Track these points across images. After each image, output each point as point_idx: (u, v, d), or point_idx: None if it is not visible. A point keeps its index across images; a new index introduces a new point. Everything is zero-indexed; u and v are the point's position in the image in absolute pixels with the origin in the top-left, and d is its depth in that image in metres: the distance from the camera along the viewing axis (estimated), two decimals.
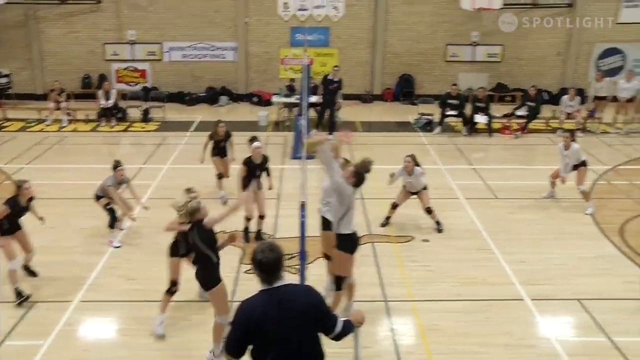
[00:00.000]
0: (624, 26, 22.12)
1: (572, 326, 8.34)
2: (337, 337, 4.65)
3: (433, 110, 19.01)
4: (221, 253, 7.06)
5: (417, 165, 10.96)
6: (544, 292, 8.98)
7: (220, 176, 12.56)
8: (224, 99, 22.28)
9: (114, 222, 10.53)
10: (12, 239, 8.69)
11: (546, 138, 17.66)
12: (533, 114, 18.06)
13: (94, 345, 7.71)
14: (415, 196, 11.19)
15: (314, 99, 18.08)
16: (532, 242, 10.72)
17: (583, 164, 12.13)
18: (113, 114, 18.97)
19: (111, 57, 22.50)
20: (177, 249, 7.82)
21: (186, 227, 7.05)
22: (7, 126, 18.95)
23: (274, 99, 19.68)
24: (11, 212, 8.55)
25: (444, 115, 18.14)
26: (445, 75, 22.48)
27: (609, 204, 12.64)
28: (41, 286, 8.94)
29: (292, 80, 20.15)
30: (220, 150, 12.55)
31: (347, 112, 20.28)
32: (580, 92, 19.24)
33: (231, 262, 9.31)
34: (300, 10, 22.15)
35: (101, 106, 18.83)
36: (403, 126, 19.22)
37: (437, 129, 18.21)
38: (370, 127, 19.09)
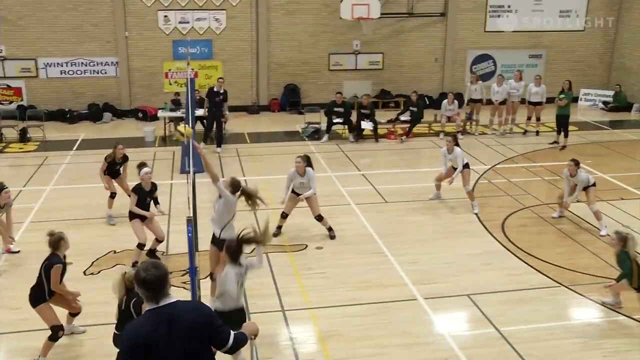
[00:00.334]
0: (491, 34, 23.51)
1: (463, 321, 8.74)
2: (231, 350, 4.62)
3: (320, 119, 19.29)
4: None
5: (310, 166, 11.06)
6: (436, 290, 9.34)
7: (113, 195, 12.10)
8: (107, 115, 21.55)
9: None
10: None
11: (429, 141, 18.36)
12: (416, 119, 18.72)
13: None
14: (305, 204, 11.24)
15: (200, 112, 17.87)
16: (422, 243, 11.12)
17: (466, 166, 12.72)
18: None
19: None
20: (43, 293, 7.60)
21: None
22: None
23: (160, 113, 19.27)
24: None
25: (330, 123, 18.43)
26: (330, 83, 22.85)
27: (490, 201, 13.31)
28: None
29: (177, 94, 19.82)
30: (113, 172, 12.12)
31: (235, 123, 20.21)
32: (459, 97, 20.16)
33: None
34: (181, 22, 21.85)
35: None
36: (291, 135, 19.38)
37: (325, 137, 18.48)
38: (258, 137, 19.10)
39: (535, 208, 12.82)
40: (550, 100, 18.75)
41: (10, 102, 21.46)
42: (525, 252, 10.70)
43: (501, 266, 10.22)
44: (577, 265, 10.18)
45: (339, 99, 18.56)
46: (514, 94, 18.99)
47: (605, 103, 23.42)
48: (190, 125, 13.14)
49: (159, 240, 10.25)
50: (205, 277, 9.27)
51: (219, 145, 17.32)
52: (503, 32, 23.36)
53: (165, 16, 21.67)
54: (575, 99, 21.29)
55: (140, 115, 21.60)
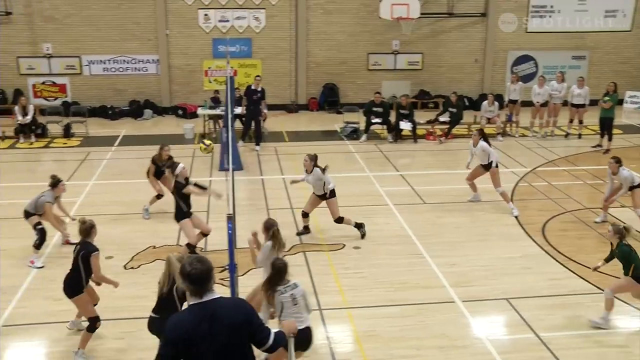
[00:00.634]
0: (533, 35, 23.15)
1: (501, 325, 8.61)
2: (270, 349, 4.64)
3: (358, 119, 19.24)
4: None
5: (317, 166, 10.92)
6: (474, 293, 9.23)
7: (159, 197, 12.23)
8: (148, 112, 21.86)
9: (41, 243, 10.20)
10: None
11: (469, 143, 18.10)
12: (455, 120, 18.55)
13: None
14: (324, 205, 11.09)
15: (239, 110, 17.99)
16: (460, 245, 11.00)
17: (491, 165, 12.53)
18: (32, 130, 18.28)
19: (27, 72, 21.71)
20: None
21: None
22: None
23: (199, 111, 19.47)
24: None
25: (369, 123, 18.39)
26: (369, 83, 22.77)
27: (531, 204, 13.12)
28: None
29: (217, 92, 19.99)
30: (158, 173, 12.21)
31: (274, 122, 20.31)
32: (499, 98, 19.91)
33: None
34: (221, 21, 22.03)
35: (18, 122, 18.11)
36: (330, 135, 19.38)
37: (363, 137, 18.45)
38: (297, 136, 19.15)
39: (576, 212, 12.59)
40: (593, 103, 18.39)
41: (55, 99, 21.92)
42: (566, 256, 10.51)
43: (541, 270, 10.05)
44: (620, 272, 9.92)
45: (377, 99, 18.50)
46: (556, 96, 18.66)
47: None
48: (230, 124, 13.29)
49: (204, 234, 10.36)
50: (244, 274, 9.34)
51: (257, 144, 17.42)
52: (545, 32, 23.00)
53: (206, 15, 21.87)
54: (620, 102, 20.87)
55: (179, 112, 21.85)
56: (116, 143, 18.15)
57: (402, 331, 8.20)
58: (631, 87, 23.47)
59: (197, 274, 4.26)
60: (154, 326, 6.77)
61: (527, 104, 19.19)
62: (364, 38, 22.66)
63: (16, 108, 18.30)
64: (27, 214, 10.29)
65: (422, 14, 21.00)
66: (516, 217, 12.25)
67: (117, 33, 21.61)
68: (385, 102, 19.05)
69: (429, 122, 18.97)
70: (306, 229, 11.33)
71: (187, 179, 10.25)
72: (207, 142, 11.87)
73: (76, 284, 7.60)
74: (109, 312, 8.23)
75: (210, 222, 11.31)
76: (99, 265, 7.58)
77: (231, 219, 6.53)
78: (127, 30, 21.66)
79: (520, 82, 19.32)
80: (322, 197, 11.01)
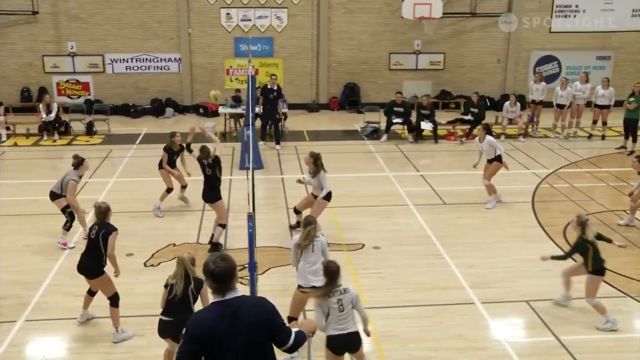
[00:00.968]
0: (557, 35, 22.92)
1: (521, 327, 8.54)
2: (291, 349, 4.64)
3: (379, 118, 19.20)
4: None
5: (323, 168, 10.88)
6: (493, 295, 9.17)
7: (169, 191, 12.40)
8: (169, 110, 22.02)
9: (71, 224, 10.60)
10: None
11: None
12: (477, 120, 18.40)
13: None
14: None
15: (257, 109, 18.01)
16: (480, 246, 10.93)
17: (498, 159, 12.50)
18: (55, 128, 18.49)
19: (51, 70, 21.97)
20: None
21: None
22: None
23: (221, 109, 19.55)
24: None
25: (389, 123, 18.34)
26: (390, 83, 22.73)
27: (552, 206, 13.00)
28: None
29: (238, 90, 20.06)
30: (171, 162, 12.42)
31: (294, 121, 20.34)
32: (521, 99, 19.73)
33: None
34: (243, 20, 22.11)
35: (42, 120, 18.35)
36: (350, 134, 19.36)
37: (384, 137, 18.40)
38: (317, 136, 19.15)
39: (599, 214, 12.42)
40: (618, 104, 18.16)
41: (79, 97, 22.16)
42: None
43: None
44: (623, 271, 9.82)
45: (398, 99, 18.45)
46: (579, 97, 18.45)
47: None
48: (251, 122, 13.36)
49: (221, 225, 10.47)
50: (263, 272, 9.35)
51: (277, 143, 17.44)
52: (569, 32, 22.77)
53: (228, 14, 21.96)
54: None
55: (201, 110, 21.97)
56: (137, 141, 18.30)
57: (421, 332, 8.17)
58: None
59: (221, 272, 4.29)
60: (168, 329, 6.81)
61: (549, 104, 19.00)
62: (385, 38, 22.61)
63: (40, 106, 18.53)
64: (54, 195, 10.55)
65: (444, 13, 20.89)
66: (491, 208, 12.51)
67: (140, 32, 21.79)
68: (406, 102, 19.00)
69: (450, 123, 18.87)
70: (298, 224, 11.23)
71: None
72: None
73: (98, 265, 7.81)
74: (130, 309, 8.32)
75: (230, 221, 11.35)
76: (114, 245, 7.76)
77: (251, 217, 6.55)
78: (149, 29, 21.83)
79: (543, 82, 19.14)
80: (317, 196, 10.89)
